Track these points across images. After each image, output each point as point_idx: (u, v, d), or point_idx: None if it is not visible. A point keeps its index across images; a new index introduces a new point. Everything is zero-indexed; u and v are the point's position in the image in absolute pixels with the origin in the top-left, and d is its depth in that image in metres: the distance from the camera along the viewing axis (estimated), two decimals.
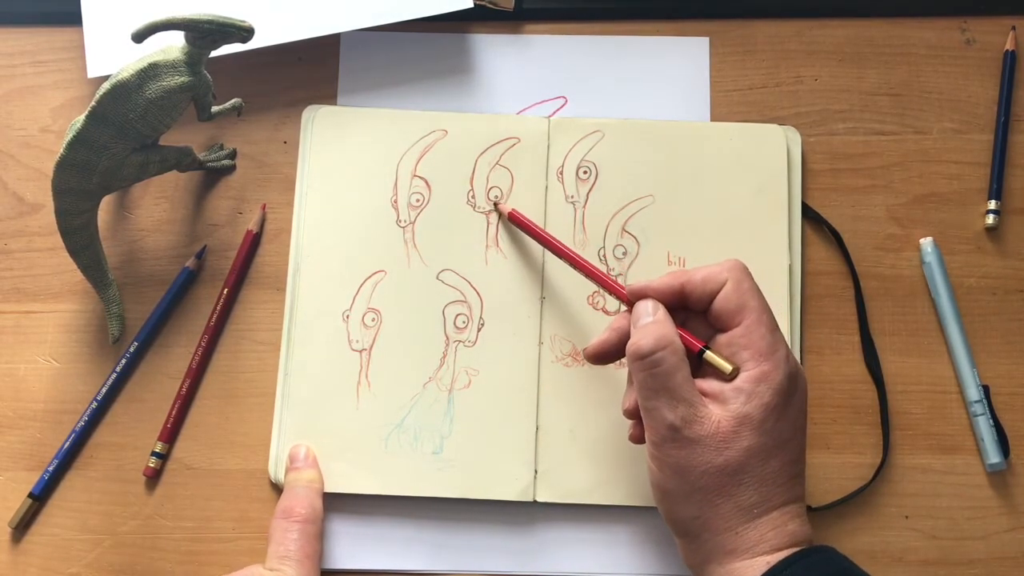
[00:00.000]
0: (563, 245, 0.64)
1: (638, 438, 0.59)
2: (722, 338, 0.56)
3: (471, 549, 0.65)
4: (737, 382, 0.55)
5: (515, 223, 0.67)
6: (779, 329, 0.57)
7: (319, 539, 0.62)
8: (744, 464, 0.54)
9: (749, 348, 0.55)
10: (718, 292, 0.56)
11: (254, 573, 0.60)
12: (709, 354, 0.56)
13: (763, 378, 0.54)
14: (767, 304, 0.57)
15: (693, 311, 0.58)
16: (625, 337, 0.58)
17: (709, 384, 0.56)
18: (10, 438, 0.67)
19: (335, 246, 0.68)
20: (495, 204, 0.68)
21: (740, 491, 0.54)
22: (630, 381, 0.59)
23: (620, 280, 0.67)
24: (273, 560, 0.60)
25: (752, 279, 0.57)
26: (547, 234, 0.65)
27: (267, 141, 0.71)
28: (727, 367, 0.55)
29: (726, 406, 0.54)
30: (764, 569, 0.53)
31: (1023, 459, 0.66)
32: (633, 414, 0.59)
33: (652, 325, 0.56)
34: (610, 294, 0.61)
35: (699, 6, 0.73)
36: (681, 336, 0.56)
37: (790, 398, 0.55)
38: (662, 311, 0.57)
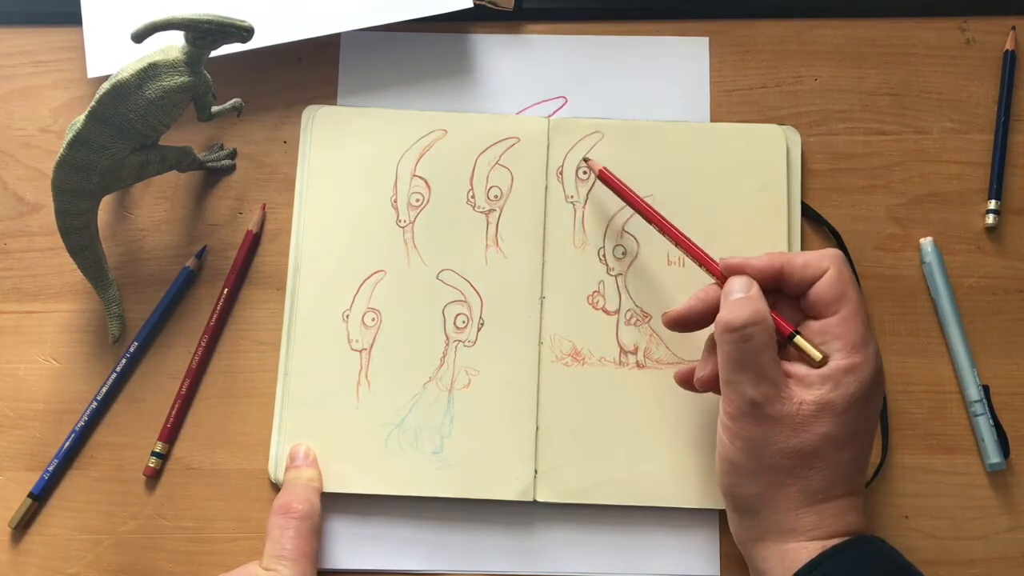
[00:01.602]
0: (656, 212, 0.63)
1: (708, 382, 0.59)
2: (815, 325, 0.57)
3: (471, 549, 0.65)
4: (825, 369, 0.55)
5: (606, 182, 0.66)
6: (870, 323, 0.57)
7: (316, 536, 0.62)
8: (818, 449, 0.54)
9: (843, 338, 0.55)
10: (817, 279, 0.57)
11: (250, 572, 0.60)
12: (799, 339, 0.56)
13: (852, 369, 0.55)
14: (863, 299, 0.57)
15: (784, 296, 0.59)
16: (709, 308, 0.58)
17: (794, 367, 0.56)
18: (10, 438, 0.67)
19: (335, 246, 0.68)
20: (585, 160, 0.68)
21: (810, 475, 0.55)
22: (709, 350, 0.59)
23: (620, 280, 0.67)
24: (269, 559, 0.60)
25: (851, 270, 0.58)
26: (640, 199, 0.64)
27: (267, 141, 0.71)
28: (817, 355, 0.55)
29: (810, 390, 0.55)
30: (816, 552, 0.54)
31: (1023, 459, 0.66)
32: (706, 384, 0.60)
33: (746, 300, 0.56)
34: (703, 268, 0.61)
35: (699, 6, 0.73)
36: (772, 317, 0.56)
37: (872, 394, 0.55)
38: (756, 288, 0.57)
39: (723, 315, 0.56)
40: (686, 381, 0.62)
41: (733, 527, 0.59)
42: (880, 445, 0.66)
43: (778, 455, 0.55)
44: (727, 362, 0.56)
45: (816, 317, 0.57)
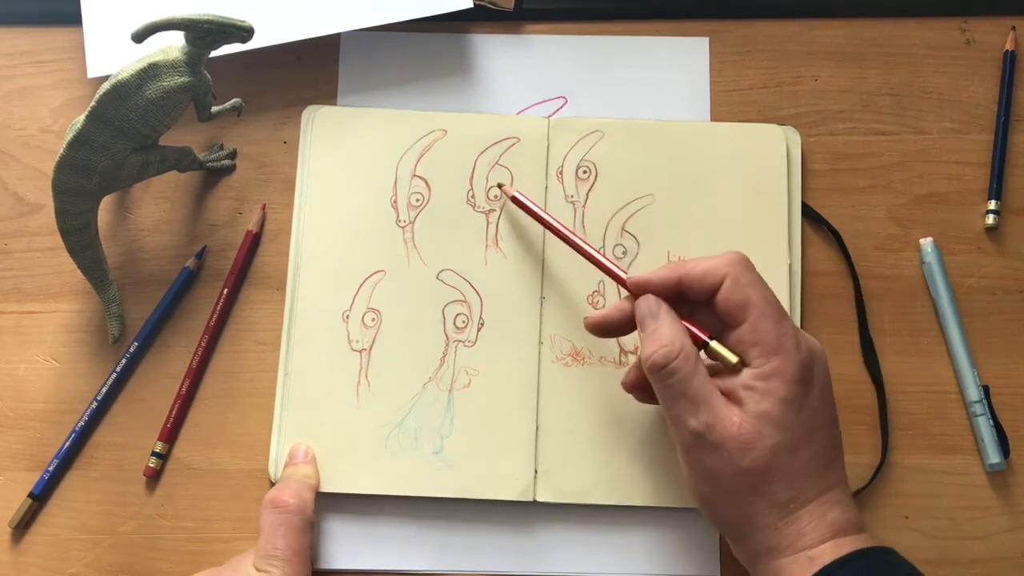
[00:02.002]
0: (566, 228, 0.64)
1: (631, 384, 0.61)
2: (732, 336, 0.56)
3: (471, 549, 0.65)
4: (749, 380, 0.54)
5: (518, 205, 0.67)
6: (787, 318, 0.56)
7: (308, 533, 0.62)
8: (771, 463, 0.53)
9: (757, 344, 0.54)
10: (718, 288, 0.56)
11: (244, 573, 0.60)
12: (714, 345, 0.56)
13: (774, 373, 0.54)
14: (771, 294, 0.56)
15: (693, 302, 0.58)
16: (627, 318, 0.58)
17: (724, 382, 0.55)
18: (10, 438, 0.67)
19: (335, 246, 0.68)
20: (499, 186, 0.68)
21: (772, 489, 0.54)
22: (615, 306, 0.60)
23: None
24: (261, 559, 0.60)
25: (753, 271, 0.57)
26: (550, 217, 0.65)
27: (267, 141, 0.71)
28: (732, 358, 0.55)
29: (743, 406, 0.54)
30: (808, 565, 0.53)
31: (1023, 459, 0.66)
32: (632, 387, 0.61)
33: (659, 331, 0.56)
34: (612, 279, 0.61)
35: (699, 6, 0.73)
36: (687, 328, 0.56)
37: (807, 387, 0.54)
38: (664, 310, 0.57)
39: (646, 354, 0.56)
40: (597, 327, 0.60)
41: (734, 552, 0.58)
42: (880, 445, 0.66)
43: (734, 478, 0.54)
44: (662, 399, 0.56)
45: (730, 327, 0.56)
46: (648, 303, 0.57)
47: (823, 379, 0.56)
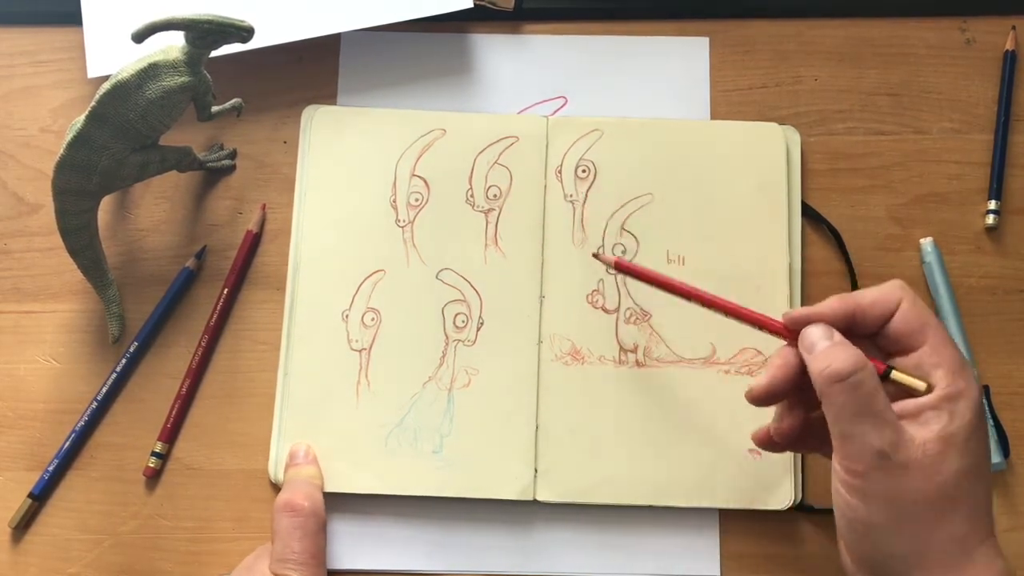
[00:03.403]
0: (687, 285, 0.59)
1: (783, 433, 0.55)
2: (906, 360, 0.52)
3: (471, 548, 0.65)
4: (934, 401, 0.50)
5: (624, 271, 0.62)
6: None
7: (322, 535, 0.62)
8: (956, 489, 0.50)
9: (941, 366, 0.51)
10: (892, 314, 0.53)
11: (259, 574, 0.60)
12: (897, 373, 0.52)
13: (961, 395, 0.50)
14: (936, 317, 0.54)
15: (859, 336, 0.54)
16: (792, 371, 0.54)
17: (900, 406, 0.51)
18: (10, 438, 0.67)
19: (334, 246, 0.68)
20: (595, 256, 0.64)
21: (954, 519, 0.50)
22: (785, 407, 0.55)
23: (619, 278, 0.67)
24: (278, 563, 0.60)
25: (919, 297, 0.54)
26: (665, 277, 0.60)
27: (267, 141, 0.71)
28: (921, 385, 0.51)
29: (927, 427, 0.50)
30: None
31: (1023, 459, 0.66)
32: (788, 436, 0.55)
33: (838, 347, 0.52)
34: (764, 331, 0.56)
35: (699, 6, 0.73)
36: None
37: (983, 415, 0.52)
38: (838, 334, 0.53)
39: (823, 365, 0.51)
40: (766, 397, 0.55)
41: None
42: None
43: (917, 504, 0.50)
44: (841, 415, 0.51)
45: (901, 352, 0.53)
46: (819, 329, 0.53)
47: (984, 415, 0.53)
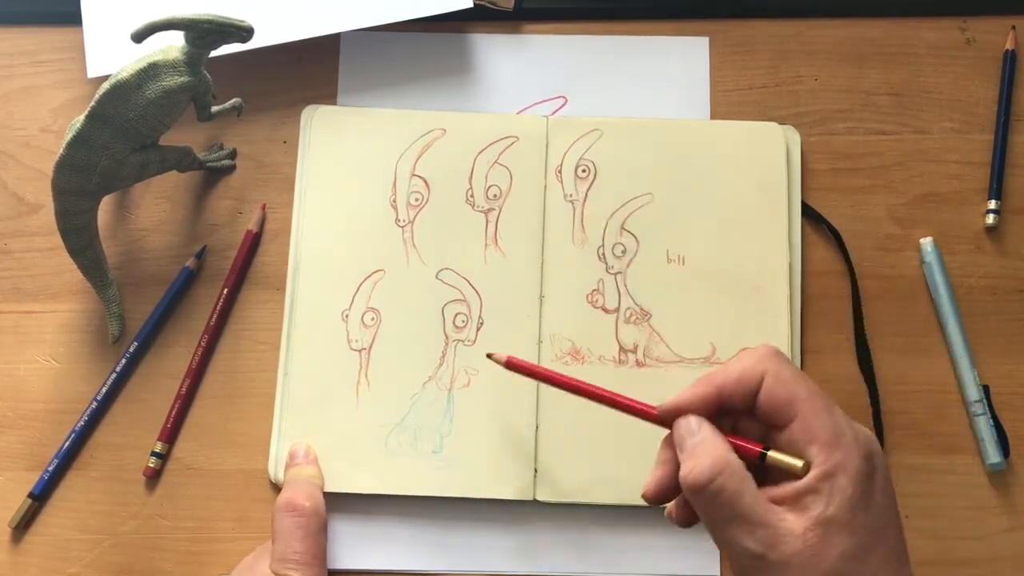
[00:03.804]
0: (564, 377, 0.57)
1: (685, 520, 0.52)
2: (781, 436, 0.49)
3: (471, 548, 0.65)
4: (811, 483, 0.47)
5: (514, 368, 0.60)
6: (836, 407, 0.50)
7: (324, 535, 0.62)
8: (845, 571, 0.47)
9: (814, 441, 0.48)
10: (758, 389, 0.50)
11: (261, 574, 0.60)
12: (772, 455, 0.49)
13: (838, 470, 0.47)
14: (815, 385, 0.50)
15: (739, 412, 0.51)
16: (677, 468, 0.51)
17: (780, 490, 0.48)
18: (10, 438, 0.67)
19: (334, 246, 0.68)
20: (489, 356, 0.61)
21: None
22: (659, 460, 0.52)
23: (619, 278, 0.67)
24: (279, 563, 0.60)
25: (790, 364, 0.51)
26: (546, 370, 0.59)
27: (267, 141, 0.71)
28: (796, 464, 0.48)
29: (807, 513, 0.47)
30: None
31: (1023, 459, 0.66)
32: (657, 497, 0.52)
33: (700, 446, 0.49)
34: (642, 418, 0.54)
35: (699, 6, 0.73)
36: (735, 446, 0.49)
37: (871, 482, 0.48)
38: (706, 426, 0.50)
39: (684, 473, 0.49)
40: (658, 497, 0.52)
41: None
42: None
43: None
44: (709, 522, 0.49)
45: (777, 427, 0.49)
46: (688, 423, 0.50)
47: (884, 471, 0.50)
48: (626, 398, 0.54)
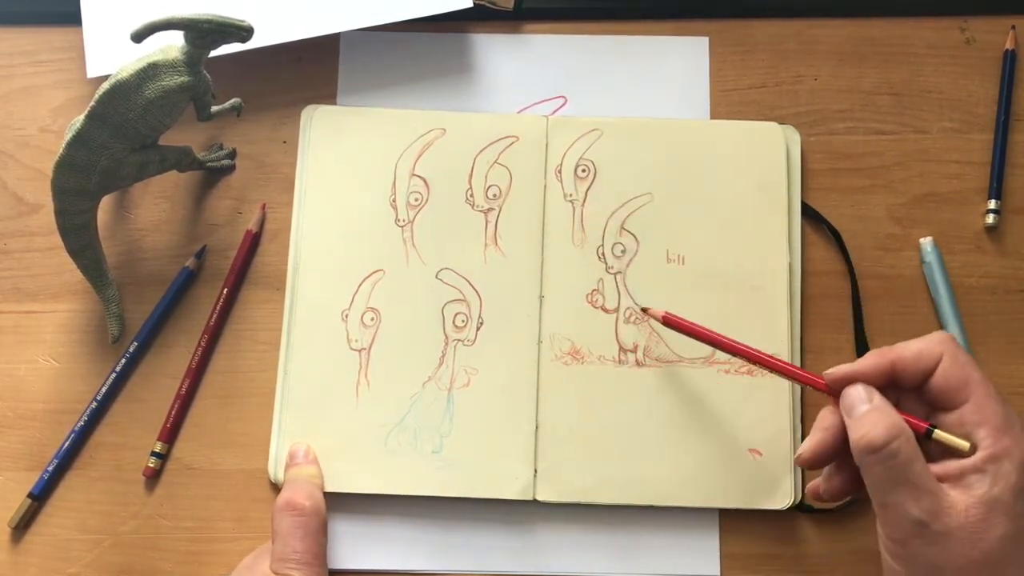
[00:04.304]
0: (732, 340, 0.60)
1: (835, 492, 0.55)
2: (948, 417, 0.51)
3: (471, 548, 0.65)
4: (977, 463, 0.49)
5: (671, 326, 0.62)
6: (1006, 400, 0.51)
7: (324, 534, 0.62)
8: (1001, 555, 0.48)
9: (984, 424, 0.50)
10: (933, 369, 0.52)
11: (261, 573, 0.60)
12: (939, 433, 0.51)
13: (1005, 455, 0.49)
14: (987, 375, 0.52)
15: (903, 389, 0.53)
16: (838, 435, 0.53)
17: (943, 468, 0.50)
18: (10, 438, 0.67)
19: (334, 245, 0.68)
20: (644, 311, 0.66)
21: None
22: (818, 426, 0.54)
23: (619, 278, 0.67)
24: (279, 563, 0.60)
25: (965, 351, 0.53)
26: (709, 331, 0.61)
27: (267, 141, 0.71)
28: (964, 444, 0.50)
29: (970, 491, 0.49)
30: None
31: None
32: (837, 494, 0.55)
33: (875, 412, 0.51)
34: (807, 387, 0.57)
35: (699, 6, 0.73)
36: (905, 419, 0.51)
37: None
38: (878, 396, 0.52)
39: (859, 435, 0.51)
40: (815, 462, 0.55)
41: None
42: None
43: (964, 571, 0.48)
44: (878, 485, 0.50)
45: (945, 408, 0.51)
46: (858, 391, 0.52)
47: None
48: (791, 365, 0.58)
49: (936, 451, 0.51)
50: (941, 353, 0.52)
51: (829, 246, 0.69)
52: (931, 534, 0.49)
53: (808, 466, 0.56)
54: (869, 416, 0.51)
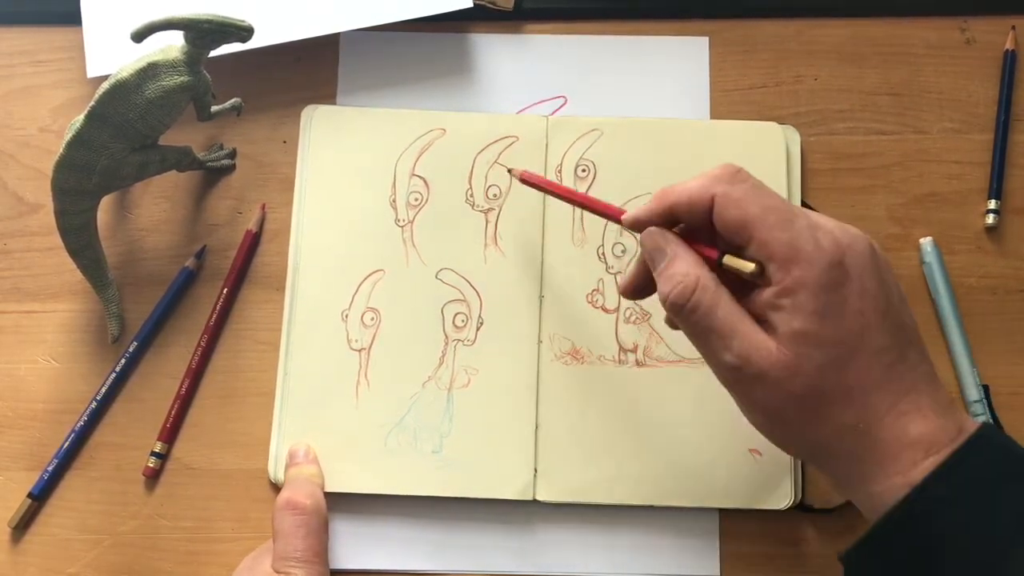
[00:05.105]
0: (572, 191, 0.63)
1: (629, 289, 0.55)
2: (744, 257, 0.50)
3: (471, 548, 0.65)
4: (773, 299, 0.48)
5: (529, 184, 0.64)
6: (798, 217, 0.49)
7: (325, 533, 0.62)
8: (821, 384, 0.47)
9: (771, 259, 0.48)
10: (710, 212, 0.50)
11: (264, 572, 0.60)
12: (728, 259, 0.50)
13: (797, 285, 0.47)
14: (771, 199, 0.49)
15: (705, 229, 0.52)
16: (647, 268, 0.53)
17: (756, 304, 0.49)
18: (10, 438, 0.67)
19: (334, 245, 0.68)
20: (509, 170, 0.67)
21: (831, 412, 0.47)
22: (635, 261, 0.55)
23: (619, 278, 0.67)
24: (280, 562, 0.60)
25: (743, 181, 0.50)
26: (558, 185, 0.65)
27: (266, 141, 0.71)
28: (748, 266, 0.49)
29: (776, 330, 0.47)
30: (903, 488, 0.46)
31: None
32: (631, 293, 0.56)
33: (672, 266, 0.50)
34: (610, 219, 0.57)
35: (699, 6, 0.73)
36: (695, 250, 0.50)
37: (842, 289, 0.47)
38: (673, 243, 0.51)
39: (661, 294, 0.51)
40: (634, 292, 0.55)
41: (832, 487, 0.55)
42: None
43: (787, 407, 0.48)
44: (690, 338, 0.51)
45: (740, 247, 0.49)
46: (652, 238, 0.52)
47: (861, 270, 0.48)
48: (596, 200, 0.58)
49: (752, 285, 0.49)
50: (711, 196, 0.50)
51: None
52: (748, 377, 0.48)
53: (631, 297, 0.56)
54: (668, 271, 0.50)
